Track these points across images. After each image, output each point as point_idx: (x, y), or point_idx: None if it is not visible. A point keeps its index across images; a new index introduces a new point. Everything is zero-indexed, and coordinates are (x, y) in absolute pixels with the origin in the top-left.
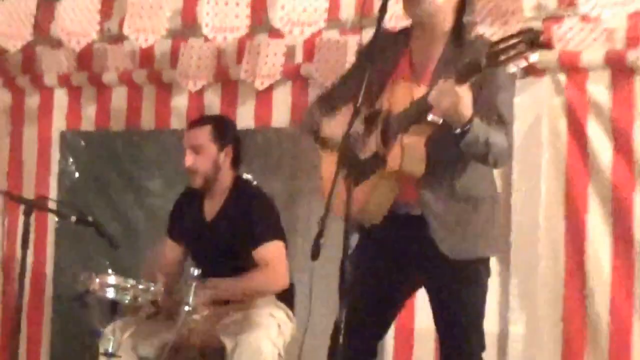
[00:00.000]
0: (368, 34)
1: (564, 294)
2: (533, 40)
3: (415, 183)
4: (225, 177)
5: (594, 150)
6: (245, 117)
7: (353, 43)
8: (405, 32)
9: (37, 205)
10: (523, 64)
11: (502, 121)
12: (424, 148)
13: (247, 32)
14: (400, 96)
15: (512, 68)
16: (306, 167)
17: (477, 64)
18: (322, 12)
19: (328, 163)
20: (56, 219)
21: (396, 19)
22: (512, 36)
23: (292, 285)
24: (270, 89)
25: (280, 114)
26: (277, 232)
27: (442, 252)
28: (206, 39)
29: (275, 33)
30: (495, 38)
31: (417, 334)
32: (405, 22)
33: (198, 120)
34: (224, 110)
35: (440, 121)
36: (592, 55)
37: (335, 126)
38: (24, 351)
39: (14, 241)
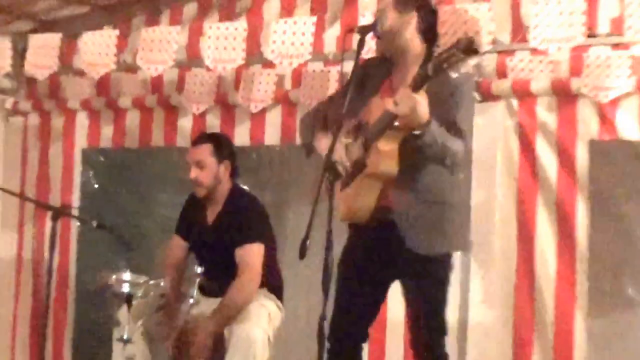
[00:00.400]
0: (348, 65)
1: (515, 287)
2: (466, 46)
3: (390, 185)
4: (224, 187)
5: (541, 165)
6: (241, 136)
7: (334, 73)
8: (388, 61)
9: (62, 212)
10: (462, 69)
11: (460, 133)
12: (397, 151)
13: (243, 63)
14: (374, 109)
15: (454, 73)
16: (294, 179)
17: (426, 73)
18: (308, 46)
19: None
20: (79, 224)
21: (372, 52)
22: (450, 47)
23: (281, 280)
24: (263, 111)
25: (272, 134)
26: (258, 236)
27: (408, 247)
28: (208, 69)
29: (267, 64)
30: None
31: (390, 323)
32: None
33: (200, 139)
34: (223, 130)
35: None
36: (540, 83)
37: (326, 139)
38: (51, 337)
39: (42, 243)
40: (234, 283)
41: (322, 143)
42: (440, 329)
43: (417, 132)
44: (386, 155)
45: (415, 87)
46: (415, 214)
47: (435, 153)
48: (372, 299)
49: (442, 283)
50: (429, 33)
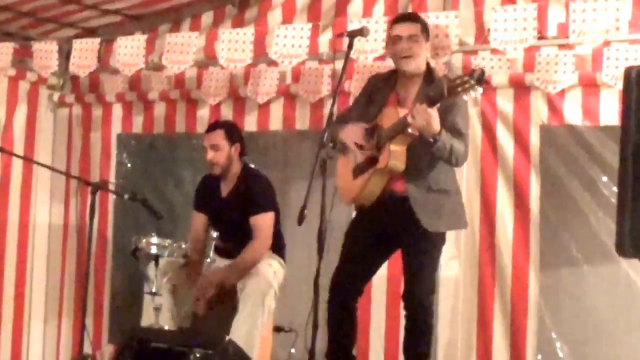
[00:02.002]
0: (339, 63)
1: (479, 248)
2: (479, 77)
3: (401, 178)
4: (236, 166)
5: (500, 146)
6: (250, 124)
7: (327, 70)
8: (393, 75)
9: (100, 187)
10: (472, 94)
11: (461, 135)
12: (405, 152)
13: (251, 62)
14: (388, 116)
15: (465, 97)
16: (294, 159)
17: (442, 93)
18: (305, 48)
19: (340, 163)
20: (115, 197)
21: (358, 52)
22: (465, 75)
23: (283, 243)
24: (268, 103)
25: (276, 121)
26: (268, 206)
27: (422, 225)
28: (222, 67)
29: (271, 62)
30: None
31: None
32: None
33: (213, 125)
34: (235, 118)
35: (417, 133)
36: (499, 78)
37: (348, 135)
38: (92, 291)
39: (84, 213)
40: (248, 245)
41: (349, 132)
42: (432, 288)
43: (430, 140)
44: (396, 154)
45: (431, 104)
46: (427, 199)
47: (445, 155)
48: (375, 262)
49: (437, 253)
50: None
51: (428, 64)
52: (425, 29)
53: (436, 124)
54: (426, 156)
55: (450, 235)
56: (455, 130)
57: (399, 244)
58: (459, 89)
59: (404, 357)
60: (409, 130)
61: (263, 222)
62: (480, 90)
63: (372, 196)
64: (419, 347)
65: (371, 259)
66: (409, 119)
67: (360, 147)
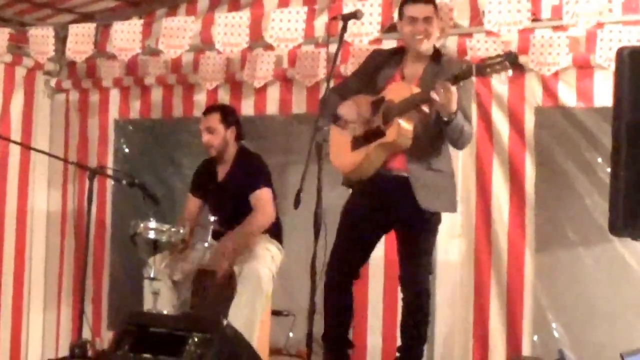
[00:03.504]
0: (333, 47)
1: (475, 229)
2: (513, 60)
3: (403, 155)
4: (232, 149)
5: (496, 127)
6: (247, 108)
7: (323, 53)
8: (399, 53)
9: (98, 172)
10: (503, 76)
11: (468, 119)
12: (412, 129)
13: (247, 46)
14: (401, 91)
15: (491, 77)
16: (290, 142)
17: (470, 72)
18: (301, 32)
19: (334, 134)
20: (113, 183)
21: (353, 35)
22: (498, 56)
23: (280, 226)
24: (264, 87)
25: (272, 105)
26: (266, 182)
27: (419, 204)
28: (218, 52)
29: (267, 47)
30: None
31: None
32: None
33: (209, 109)
34: (232, 103)
35: (428, 112)
36: None
37: (350, 108)
38: (91, 276)
39: (82, 198)
40: (250, 215)
41: (345, 106)
42: (427, 269)
43: (446, 119)
44: (405, 131)
45: (455, 82)
46: (425, 178)
47: (456, 136)
48: (371, 244)
49: (433, 233)
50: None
51: (434, 46)
52: (436, 9)
53: (455, 103)
54: (432, 135)
55: (447, 218)
56: (463, 114)
57: (393, 225)
58: (489, 69)
59: (401, 339)
60: (423, 107)
61: (263, 197)
62: (510, 73)
63: (371, 169)
64: (417, 329)
65: (367, 241)
66: (433, 95)
67: (367, 120)
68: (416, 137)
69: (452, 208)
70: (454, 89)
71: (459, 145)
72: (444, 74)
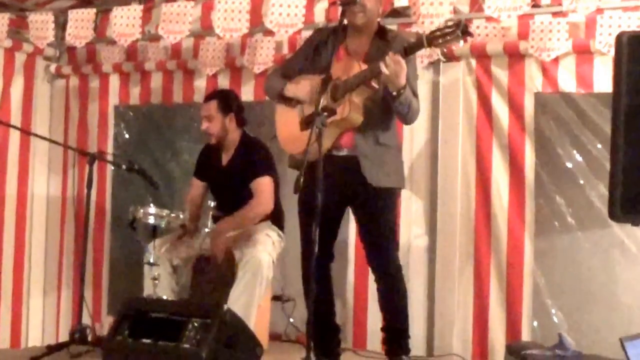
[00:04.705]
0: None
1: (475, 214)
2: (463, 29)
3: (349, 131)
4: (234, 135)
5: (496, 113)
6: (247, 93)
7: None
8: (342, 28)
9: (98, 157)
10: (455, 43)
11: (416, 94)
12: (362, 105)
13: (247, 32)
14: (349, 67)
15: (444, 47)
16: None
17: (421, 43)
18: (301, 17)
19: (280, 113)
20: (112, 168)
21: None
22: (448, 26)
23: (282, 213)
24: (264, 72)
25: None
26: (268, 170)
27: (367, 180)
28: (218, 37)
29: (267, 32)
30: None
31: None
32: None
33: (208, 96)
34: (232, 88)
35: (377, 87)
36: (494, 45)
37: (298, 88)
38: (91, 263)
39: (82, 184)
40: (249, 202)
41: (300, 85)
42: (392, 245)
43: (395, 93)
44: (356, 106)
45: (406, 54)
46: (374, 153)
47: (404, 110)
48: (333, 223)
49: (390, 209)
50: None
51: (379, 23)
52: None
53: (404, 77)
54: (380, 111)
55: (445, 204)
56: (411, 89)
57: (348, 202)
58: (440, 40)
59: (383, 319)
60: (372, 82)
61: (262, 185)
62: (461, 43)
63: (322, 149)
64: (395, 307)
65: (332, 220)
66: (382, 68)
67: (316, 99)
68: (366, 112)
69: (400, 183)
70: (404, 62)
71: (407, 119)
72: (391, 48)
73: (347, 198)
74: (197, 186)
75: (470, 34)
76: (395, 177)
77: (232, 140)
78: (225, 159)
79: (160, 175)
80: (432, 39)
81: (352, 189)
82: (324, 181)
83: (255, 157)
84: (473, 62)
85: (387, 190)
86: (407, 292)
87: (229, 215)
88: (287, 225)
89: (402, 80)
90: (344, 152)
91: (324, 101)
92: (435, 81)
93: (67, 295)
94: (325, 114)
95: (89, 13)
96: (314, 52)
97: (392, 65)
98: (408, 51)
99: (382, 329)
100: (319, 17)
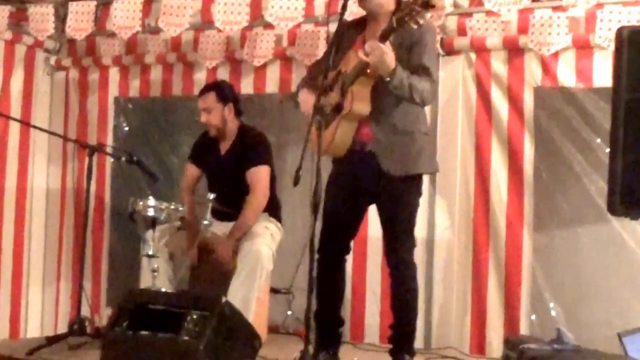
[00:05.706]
0: (333, 26)
1: (474, 208)
2: (424, 2)
3: (367, 123)
4: (232, 125)
5: (495, 107)
6: (246, 87)
7: (323, 32)
8: (363, 20)
9: (97, 149)
10: (421, 21)
11: (427, 72)
12: (369, 94)
13: (247, 25)
14: (351, 60)
15: (414, 25)
16: (290, 121)
17: (392, 26)
18: (301, 11)
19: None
20: (112, 160)
21: (353, 15)
22: (410, 3)
23: (279, 203)
24: (264, 66)
25: (272, 84)
26: (264, 159)
27: (383, 170)
28: (218, 30)
29: (267, 25)
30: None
31: (369, 240)
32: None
33: (205, 89)
34: (231, 81)
35: (374, 72)
36: (494, 40)
37: (302, 104)
38: (90, 255)
39: (81, 176)
40: (246, 201)
41: (302, 94)
42: (410, 242)
43: (387, 78)
44: (358, 97)
45: (382, 38)
46: (390, 142)
47: (405, 93)
48: (356, 217)
49: (411, 204)
50: None
51: (397, 9)
52: None
53: (390, 60)
54: (391, 96)
55: (443, 198)
56: (417, 67)
57: (372, 199)
58: (406, 18)
59: (392, 314)
60: (368, 70)
61: (259, 174)
62: (427, 15)
63: (344, 146)
64: (404, 303)
65: (351, 214)
66: (362, 56)
67: (321, 106)
68: (376, 100)
69: (427, 168)
70: (384, 46)
71: (415, 101)
72: (398, 36)
73: (367, 193)
74: (192, 172)
75: (432, 5)
76: (413, 164)
77: (231, 130)
78: (223, 148)
79: (159, 168)
80: (398, 19)
81: (368, 181)
82: (343, 177)
83: (252, 145)
84: (473, 56)
85: (406, 178)
86: (417, 292)
87: (228, 208)
88: (286, 218)
89: (390, 65)
90: (366, 148)
91: (335, 98)
92: None
93: (66, 287)
94: (322, 115)
95: (89, 5)
96: (337, 47)
97: (372, 52)
98: (383, 36)
99: (390, 327)
100: (319, 11)
